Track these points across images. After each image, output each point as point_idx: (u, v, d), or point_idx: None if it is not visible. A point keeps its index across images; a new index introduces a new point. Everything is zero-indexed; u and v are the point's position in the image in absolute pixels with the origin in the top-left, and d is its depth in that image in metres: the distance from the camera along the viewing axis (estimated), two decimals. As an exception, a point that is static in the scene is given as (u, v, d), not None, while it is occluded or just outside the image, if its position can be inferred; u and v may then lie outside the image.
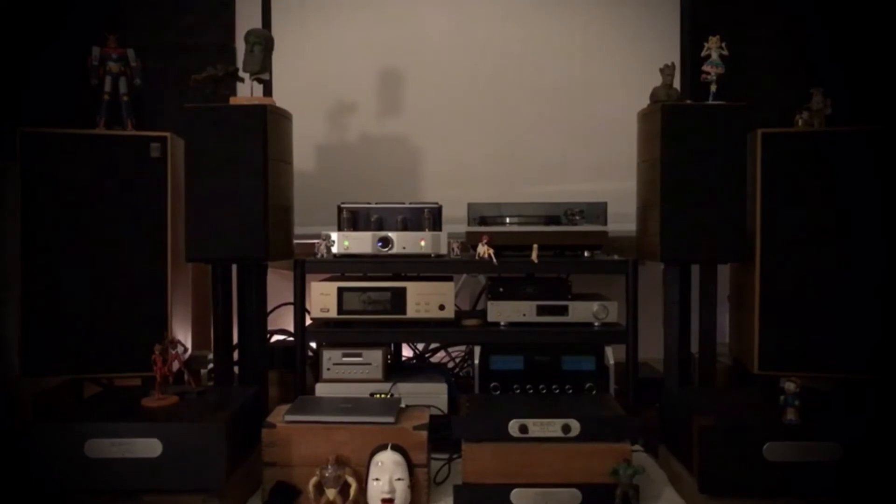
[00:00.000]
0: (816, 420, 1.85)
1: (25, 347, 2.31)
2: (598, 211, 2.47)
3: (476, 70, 2.93)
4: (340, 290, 2.34)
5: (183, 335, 2.57)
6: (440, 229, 2.43)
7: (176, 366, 2.05)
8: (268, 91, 2.69)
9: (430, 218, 2.43)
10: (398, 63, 2.94)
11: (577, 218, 2.45)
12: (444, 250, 2.37)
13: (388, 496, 1.79)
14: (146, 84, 2.48)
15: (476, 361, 2.32)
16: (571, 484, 1.84)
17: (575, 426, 1.87)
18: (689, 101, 2.48)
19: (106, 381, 2.51)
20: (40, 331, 2.32)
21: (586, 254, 2.41)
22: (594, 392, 2.29)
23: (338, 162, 2.94)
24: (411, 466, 1.85)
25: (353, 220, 2.44)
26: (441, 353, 2.86)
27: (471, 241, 2.39)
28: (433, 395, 2.31)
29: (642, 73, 2.59)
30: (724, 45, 2.30)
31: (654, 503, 1.94)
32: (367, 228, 2.42)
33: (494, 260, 2.31)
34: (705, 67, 2.31)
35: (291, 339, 2.53)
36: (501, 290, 2.38)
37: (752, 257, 2.38)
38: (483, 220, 2.47)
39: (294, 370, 2.39)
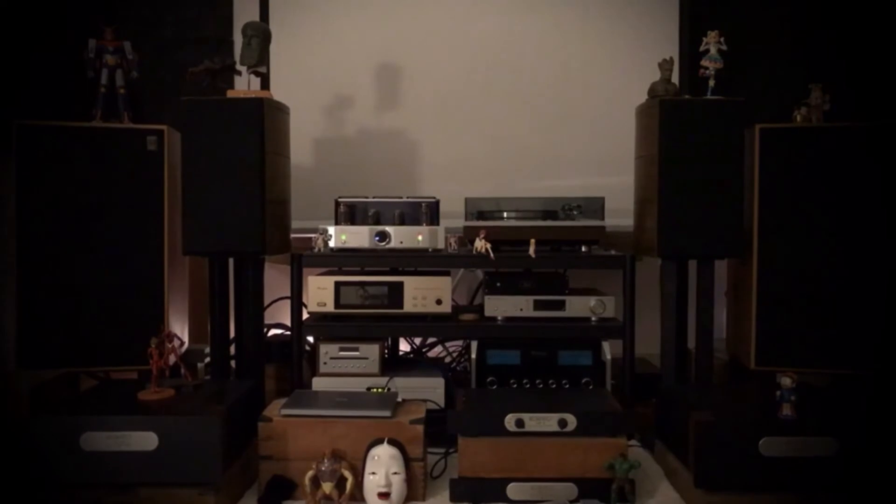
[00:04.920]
0: (812, 415, 1.85)
1: (22, 340, 2.32)
2: (595, 206, 2.47)
3: (474, 64, 2.92)
4: (337, 285, 2.34)
5: (179, 329, 2.57)
6: (437, 224, 2.43)
7: (172, 359, 2.05)
8: (265, 84, 2.68)
9: (427, 212, 2.42)
10: (396, 57, 2.93)
11: (575, 213, 2.45)
12: (441, 245, 2.37)
13: (384, 490, 1.80)
14: (143, 77, 2.47)
15: (473, 356, 2.32)
16: (568, 478, 1.85)
17: (571, 421, 1.87)
18: (687, 97, 2.48)
19: (102, 374, 2.51)
20: (37, 324, 2.32)
21: (584, 249, 2.41)
22: (591, 387, 2.29)
23: (335, 156, 2.93)
24: (408, 460, 1.85)
25: (350, 214, 2.43)
26: (438, 348, 2.86)
27: (468, 235, 2.39)
28: (430, 389, 2.31)
29: (640, 68, 2.59)
30: (722, 39, 2.30)
31: (650, 498, 1.94)
32: (364, 223, 2.42)
33: (492, 254, 2.30)
34: (704, 62, 2.30)
35: (288, 333, 2.53)
36: (498, 284, 2.38)
37: (749, 253, 2.38)
38: (480, 215, 2.47)
39: (291, 364, 2.39)
